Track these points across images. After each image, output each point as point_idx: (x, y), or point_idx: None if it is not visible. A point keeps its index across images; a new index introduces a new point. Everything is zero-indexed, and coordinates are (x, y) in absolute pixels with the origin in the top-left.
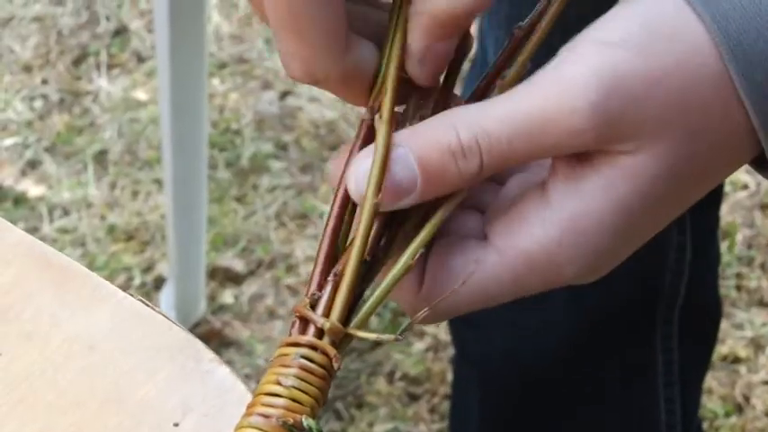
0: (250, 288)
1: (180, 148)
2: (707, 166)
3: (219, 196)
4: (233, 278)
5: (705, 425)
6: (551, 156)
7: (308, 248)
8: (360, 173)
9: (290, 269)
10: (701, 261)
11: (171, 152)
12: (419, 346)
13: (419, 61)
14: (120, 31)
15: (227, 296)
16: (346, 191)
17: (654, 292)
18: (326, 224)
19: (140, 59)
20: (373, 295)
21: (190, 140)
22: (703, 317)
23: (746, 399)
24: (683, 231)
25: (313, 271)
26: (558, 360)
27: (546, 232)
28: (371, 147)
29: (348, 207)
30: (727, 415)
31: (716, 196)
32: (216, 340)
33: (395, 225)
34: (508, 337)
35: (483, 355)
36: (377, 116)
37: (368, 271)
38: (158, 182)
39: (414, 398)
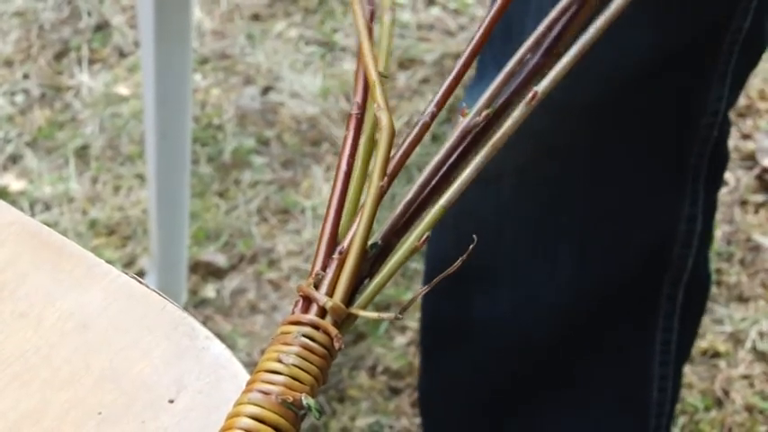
0: (232, 282)
1: (163, 143)
2: None
3: (201, 191)
4: (215, 273)
5: (685, 419)
6: None
7: (289, 243)
8: None
9: (272, 264)
10: (707, 235)
11: (154, 146)
12: (401, 340)
13: None
14: (102, 27)
15: (209, 290)
16: (347, 172)
17: (662, 262)
18: (329, 204)
19: (122, 54)
20: (378, 276)
21: (173, 135)
22: (699, 293)
23: (726, 393)
24: (694, 203)
25: (317, 250)
26: (559, 327)
27: None
28: None
29: (350, 187)
30: (707, 409)
31: (721, 175)
32: None
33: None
34: (515, 296)
35: (487, 315)
36: (374, 105)
37: (379, 254)
38: (140, 177)
39: (396, 392)
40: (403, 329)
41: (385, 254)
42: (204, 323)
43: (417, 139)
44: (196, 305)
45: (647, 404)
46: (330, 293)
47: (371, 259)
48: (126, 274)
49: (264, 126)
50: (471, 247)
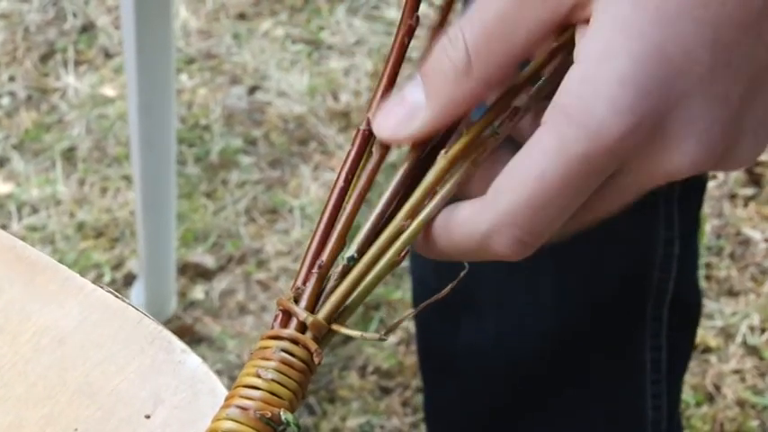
0: (220, 284)
1: (148, 145)
2: None
3: (189, 192)
4: (203, 274)
5: None
6: (528, 14)
7: (278, 243)
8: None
9: (261, 264)
10: (687, 255)
11: (139, 149)
12: (391, 339)
13: None
14: (88, 28)
15: (198, 292)
16: (343, 188)
17: (642, 288)
18: (320, 219)
19: (108, 55)
20: (356, 291)
21: (158, 136)
22: (688, 312)
23: (717, 388)
24: (670, 227)
25: (301, 265)
26: (545, 351)
27: (569, 77)
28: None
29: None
30: (699, 404)
31: (701, 192)
32: (187, 336)
33: (384, 223)
34: (499, 322)
35: (473, 345)
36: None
37: (355, 267)
38: (127, 178)
39: (386, 391)
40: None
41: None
42: (193, 325)
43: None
44: (185, 307)
45: (642, 424)
46: (310, 308)
47: (349, 273)
48: (101, 287)
49: (251, 126)
50: (459, 277)
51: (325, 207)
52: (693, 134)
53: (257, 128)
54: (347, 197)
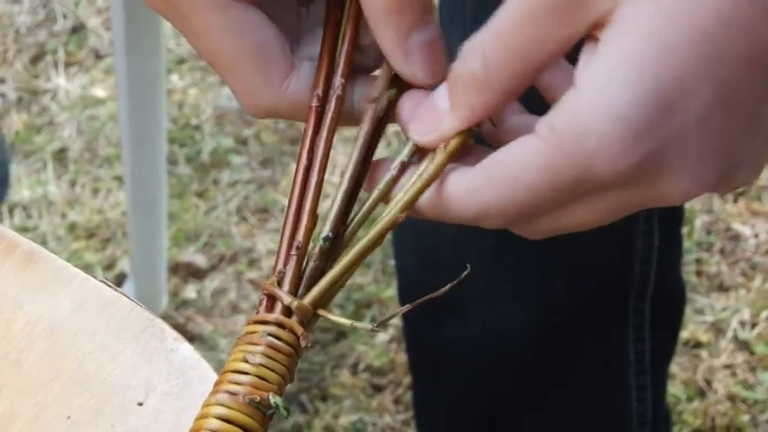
0: (212, 283)
1: (139, 145)
2: (711, 5)
3: (180, 192)
4: (195, 273)
5: None
6: (544, 31)
7: (269, 242)
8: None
9: (252, 263)
10: (668, 248)
11: (130, 149)
12: (382, 337)
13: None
14: (78, 29)
15: (190, 291)
16: (307, 167)
17: (624, 280)
18: (290, 200)
19: (98, 57)
20: (332, 271)
21: (148, 137)
22: (671, 304)
23: (708, 383)
24: (649, 218)
25: (279, 247)
26: (529, 344)
27: (566, 102)
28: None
29: (308, 186)
30: (690, 399)
31: None
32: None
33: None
34: (484, 319)
35: (459, 341)
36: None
37: (331, 247)
38: (118, 179)
39: (378, 389)
40: (384, 327)
41: (339, 245)
42: (185, 324)
43: (336, 116)
44: (177, 306)
45: (627, 415)
46: (293, 290)
47: (327, 253)
48: (94, 277)
49: (242, 125)
50: (458, 279)
51: (293, 187)
52: (687, 169)
53: (248, 127)
54: (311, 174)
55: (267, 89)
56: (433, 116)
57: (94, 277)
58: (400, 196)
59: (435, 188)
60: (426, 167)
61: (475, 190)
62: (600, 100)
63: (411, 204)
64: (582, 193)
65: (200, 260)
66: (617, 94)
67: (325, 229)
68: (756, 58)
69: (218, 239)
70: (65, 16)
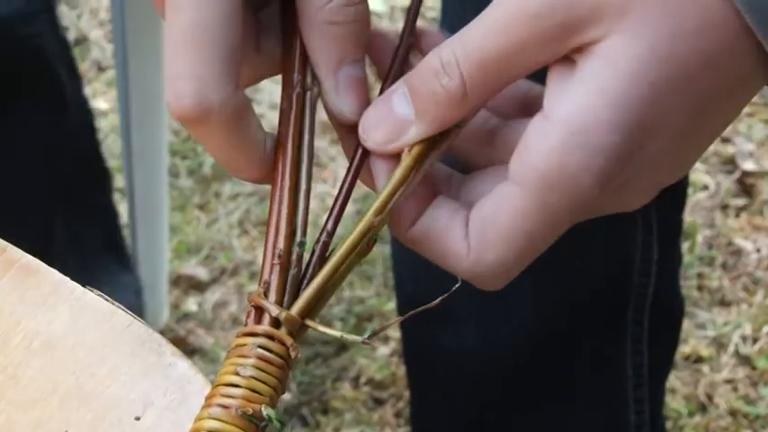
0: (213, 296)
1: (140, 158)
2: (701, 48)
3: (182, 204)
4: (196, 286)
5: (669, 424)
6: (529, 57)
7: None
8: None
9: (254, 276)
10: (668, 260)
11: (132, 161)
12: (384, 350)
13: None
14: (80, 41)
15: (191, 304)
16: (281, 174)
17: (622, 292)
18: (270, 209)
19: (100, 69)
20: (316, 279)
21: (150, 149)
22: (670, 316)
23: (710, 398)
24: (649, 231)
25: (264, 257)
26: (526, 357)
27: (548, 142)
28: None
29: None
30: (691, 414)
31: (681, 197)
32: (180, 348)
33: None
34: (478, 331)
35: (454, 351)
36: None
37: (321, 255)
38: (120, 191)
39: (379, 402)
40: (386, 340)
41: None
42: (186, 337)
43: (299, 115)
44: (178, 319)
45: (625, 427)
46: (279, 300)
47: (309, 261)
48: (92, 291)
49: None
50: (450, 291)
51: (272, 195)
52: (652, 183)
53: None
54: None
55: (225, 81)
56: (394, 125)
57: (92, 291)
58: (373, 201)
59: (439, 236)
60: (394, 172)
61: (475, 254)
62: (586, 138)
63: (384, 208)
64: (572, 220)
65: (202, 273)
66: (605, 132)
67: (298, 234)
68: (736, 88)
69: (220, 252)
70: (67, 28)
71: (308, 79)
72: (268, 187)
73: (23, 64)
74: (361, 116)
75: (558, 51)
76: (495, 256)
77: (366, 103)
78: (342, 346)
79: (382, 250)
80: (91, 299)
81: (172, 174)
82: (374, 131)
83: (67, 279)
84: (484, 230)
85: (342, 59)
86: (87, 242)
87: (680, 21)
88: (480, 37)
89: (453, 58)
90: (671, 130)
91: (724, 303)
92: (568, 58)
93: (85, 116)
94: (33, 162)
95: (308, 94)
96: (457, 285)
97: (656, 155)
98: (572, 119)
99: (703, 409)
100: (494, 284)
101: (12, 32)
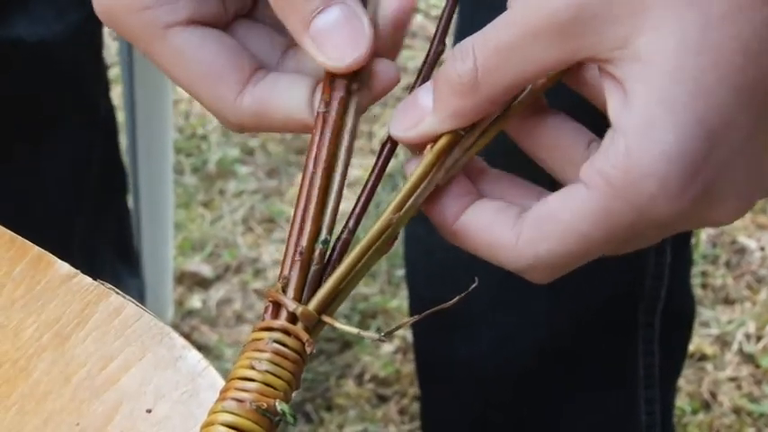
0: (218, 293)
1: (145, 155)
2: (734, 34)
3: (186, 201)
4: (200, 283)
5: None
6: (542, 50)
7: (275, 253)
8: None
9: (258, 273)
10: (679, 263)
11: (137, 159)
12: (388, 347)
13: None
14: None
15: (195, 301)
16: (311, 175)
17: (634, 295)
18: (296, 207)
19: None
20: (333, 275)
21: (155, 147)
22: (681, 318)
23: (713, 395)
24: None
25: (285, 253)
26: (538, 359)
27: (615, 148)
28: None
29: (312, 192)
30: (695, 412)
31: None
32: None
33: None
34: (492, 336)
35: (468, 356)
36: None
37: (340, 252)
38: None
39: (383, 399)
40: (390, 337)
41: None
42: (190, 334)
43: (339, 119)
44: (182, 316)
45: (636, 428)
46: (297, 296)
47: (330, 257)
48: (103, 284)
49: (248, 135)
50: (463, 294)
51: (299, 193)
52: (735, 193)
53: (254, 137)
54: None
55: (223, 105)
56: (415, 113)
57: (103, 284)
58: (393, 197)
59: (486, 227)
60: (416, 168)
61: (526, 244)
62: (649, 141)
63: (403, 205)
64: (634, 234)
65: (206, 270)
66: (665, 134)
67: (323, 232)
68: None
69: (224, 249)
70: None
71: (354, 84)
72: (272, 185)
73: (61, 90)
74: (350, 59)
75: (574, 52)
76: (545, 249)
77: (355, 43)
78: (346, 343)
79: None
80: (102, 292)
81: (176, 171)
82: (397, 119)
83: (79, 272)
84: (541, 223)
85: (311, 11)
86: (100, 248)
87: (705, 9)
88: (497, 27)
89: (470, 44)
90: (737, 130)
91: (728, 301)
92: (608, 74)
93: (113, 128)
94: (60, 178)
95: (353, 97)
96: (474, 285)
97: (729, 158)
98: (630, 123)
99: (707, 406)
100: (539, 277)
101: (50, 56)
